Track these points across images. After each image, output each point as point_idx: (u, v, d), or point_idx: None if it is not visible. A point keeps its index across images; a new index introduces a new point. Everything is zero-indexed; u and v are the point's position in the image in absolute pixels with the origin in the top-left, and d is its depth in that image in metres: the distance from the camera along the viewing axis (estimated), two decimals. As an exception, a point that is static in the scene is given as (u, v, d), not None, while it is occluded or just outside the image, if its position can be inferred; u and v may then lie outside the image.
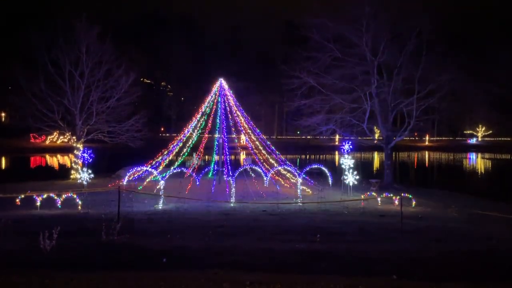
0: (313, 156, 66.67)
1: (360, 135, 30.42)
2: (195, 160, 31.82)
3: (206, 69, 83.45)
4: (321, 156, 67.01)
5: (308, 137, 74.11)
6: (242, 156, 36.70)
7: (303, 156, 64.64)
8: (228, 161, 27.69)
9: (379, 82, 27.95)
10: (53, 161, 55.23)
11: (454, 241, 11.56)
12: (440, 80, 26.02)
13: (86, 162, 23.30)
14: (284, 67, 30.12)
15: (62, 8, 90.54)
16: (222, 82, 28.65)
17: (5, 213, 14.80)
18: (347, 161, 22.62)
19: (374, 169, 47.44)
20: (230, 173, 25.22)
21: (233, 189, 19.99)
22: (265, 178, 25.98)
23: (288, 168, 26.32)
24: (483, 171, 50.38)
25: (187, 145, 29.80)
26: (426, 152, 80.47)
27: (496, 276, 8.04)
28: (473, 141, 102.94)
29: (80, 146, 28.70)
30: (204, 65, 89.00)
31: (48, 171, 41.16)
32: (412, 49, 26.63)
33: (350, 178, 22.20)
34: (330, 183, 25.19)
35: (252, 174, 27.44)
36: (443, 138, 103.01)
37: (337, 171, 31.90)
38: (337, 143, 57.68)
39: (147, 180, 25.60)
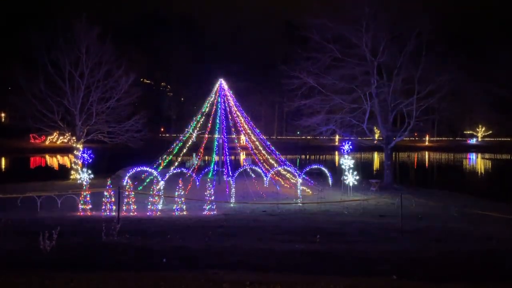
0: (313, 156, 66.67)
1: (360, 136, 30.43)
2: (195, 161, 31.81)
3: (206, 69, 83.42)
4: (321, 157, 66.99)
5: (308, 137, 74.08)
6: (242, 156, 36.69)
7: (303, 156, 64.65)
8: (228, 162, 27.69)
9: (379, 83, 27.95)
10: (53, 161, 55.22)
11: (454, 241, 11.55)
12: (440, 80, 26.02)
13: (86, 162, 23.29)
14: (284, 67, 30.14)
15: (62, 8, 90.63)
16: (222, 82, 28.65)
17: (5, 214, 14.80)
18: (347, 162, 22.62)
19: (374, 169, 47.44)
20: (230, 173, 25.21)
21: (233, 189, 19.98)
22: (265, 179, 25.97)
23: (288, 169, 26.32)
24: (483, 171, 50.38)
25: (187, 145, 29.79)
26: (426, 152, 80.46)
27: (496, 276, 8.03)
28: (473, 141, 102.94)
29: (80, 146, 28.71)
30: (204, 65, 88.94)
31: (48, 172, 41.14)
32: (412, 49, 26.64)
33: (350, 179, 22.20)
34: (330, 184, 25.19)
35: (252, 175, 27.43)
36: (443, 138, 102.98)
37: (337, 172, 31.90)
38: (337, 143, 57.67)
39: (147, 180, 25.57)
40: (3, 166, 50.26)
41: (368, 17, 26.45)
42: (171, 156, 29.09)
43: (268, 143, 30.54)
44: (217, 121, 28.42)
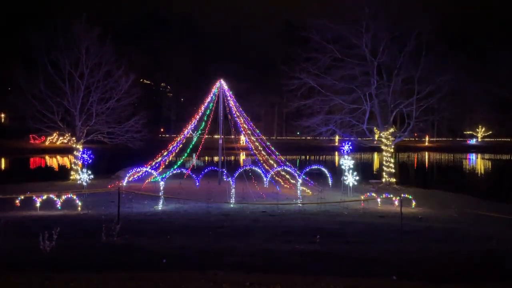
0: (313, 156, 66.64)
1: (359, 136, 30.42)
2: (195, 161, 31.81)
3: (206, 70, 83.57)
4: (321, 157, 66.99)
5: (308, 138, 74.21)
6: (242, 157, 36.69)
7: (303, 157, 64.64)
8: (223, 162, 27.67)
9: (378, 83, 27.97)
10: (53, 162, 55.22)
11: (454, 242, 11.55)
12: (440, 81, 26.05)
13: (86, 163, 23.28)
14: (284, 68, 30.17)
15: (62, 8, 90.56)
16: (222, 83, 28.65)
17: (5, 214, 14.80)
18: (347, 162, 22.62)
19: (374, 169, 47.43)
20: (225, 172, 25.17)
21: (233, 190, 19.98)
22: (265, 179, 25.99)
23: (288, 169, 26.32)
24: (483, 171, 50.39)
25: (188, 146, 29.79)
26: (426, 153, 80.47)
27: (496, 276, 8.03)
28: (473, 141, 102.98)
29: (79, 147, 28.70)
30: (204, 66, 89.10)
31: (48, 172, 41.12)
32: (411, 49, 26.67)
33: (350, 179, 22.19)
34: (330, 184, 25.20)
35: (252, 175, 27.44)
36: (443, 139, 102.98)
37: (337, 172, 31.89)
38: (336, 143, 57.67)
39: (147, 181, 25.60)
40: (3, 167, 50.25)
41: (368, 17, 26.48)
42: (171, 157, 29.08)
43: (268, 143, 30.54)
44: (217, 121, 28.42)
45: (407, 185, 30.40)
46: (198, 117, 29.12)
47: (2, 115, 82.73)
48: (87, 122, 29.28)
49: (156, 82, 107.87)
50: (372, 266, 8.51)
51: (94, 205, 18.24)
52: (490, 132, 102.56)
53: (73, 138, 29.24)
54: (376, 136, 31.49)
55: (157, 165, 27.34)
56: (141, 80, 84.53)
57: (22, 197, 17.18)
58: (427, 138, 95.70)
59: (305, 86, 29.34)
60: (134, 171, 23.25)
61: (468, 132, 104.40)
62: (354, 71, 28.22)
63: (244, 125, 29.64)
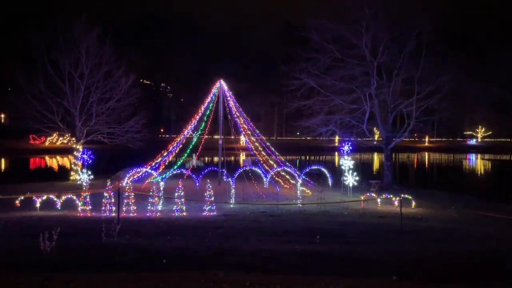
0: (312, 157, 66.67)
1: (359, 136, 30.43)
2: (195, 162, 31.80)
3: (206, 70, 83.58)
4: (321, 157, 67.00)
5: (308, 138, 74.26)
6: (242, 157, 36.68)
7: (303, 157, 64.65)
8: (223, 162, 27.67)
9: (378, 83, 27.97)
10: (53, 162, 55.22)
11: (454, 242, 11.55)
12: (440, 81, 26.05)
13: (86, 163, 23.28)
14: (284, 68, 30.16)
15: (62, 8, 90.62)
16: (221, 83, 28.65)
17: (5, 215, 14.81)
18: (346, 162, 22.61)
19: (374, 170, 47.45)
20: (224, 172, 25.18)
21: (233, 190, 19.98)
22: (265, 179, 25.98)
23: (288, 169, 26.32)
24: (482, 172, 50.39)
25: (188, 147, 29.79)
26: (426, 153, 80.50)
27: (496, 276, 8.03)
28: (472, 142, 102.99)
29: (79, 147, 28.69)
30: (204, 66, 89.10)
31: (48, 172, 41.15)
32: (411, 49, 26.67)
33: (350, 179, 22.19)
34: (330, 184, 25.19)
35: (252, 175, 27.43)
36: (443, 139, 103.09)
37: (337, 172, 31.91)
38: (336, 144, 57.69)
39: (147, 181, 25.59)
40: (3, 167, 50.25)
41: (368, 18, 26.48)
42: (171, 157, 29.08)
43: (268, 143, 30.55)
44: (217, 121, 28.42)
45: (407, 185, 30.44)
46: (198, 117, 29.12)
47: (2, 115, 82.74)
48: (87, 123, 29.28)
49: (156, 82, 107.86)
50: (372, 266, 8.52)
51: (94, 205, 18.22)
52: (490, 132, 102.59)
53: (73, 139, 29.24)
54: (376, 137, 31.51)
55: (157, 165, 27.33)
56: (141, 80, 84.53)
57: (22, 198, 17.17)
58: (427, 139, 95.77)
59: (305, 87, 29.34)
60: (134, 171, 23.22)
61: (468, 132, 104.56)
62: (354, 71, 28.22)
63: (244, 126, 29.65)
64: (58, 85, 28.30)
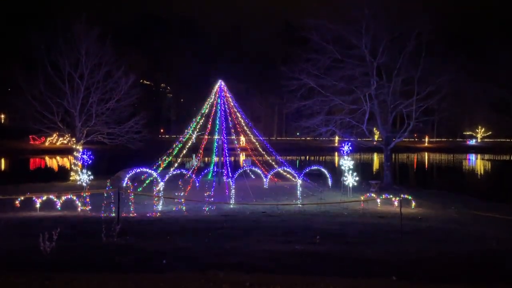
0: (312, 157, 66.68)
1: (359, 137, 30.43)
2: (195, 162, 31.79)
3: (206, 70, 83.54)
4: (321, 158, 67.01)
5: (308, 138, 74.28)
6: (242, 157, 36.70)
7: (302, 158, 64.66)
8: (228, 163, 27.69)
9: (378, 84, 27.97)
10: (53, 162, 55.21)
11: (454, 242, 11.55)
12: (440, 81, 26.05)
13: (86, 163, 23.27)
14: (284, 69, 30.16)
15: (62, 8, 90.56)
16: (221, 83, 28.65)
17: (5, 215, 14.82)
18: (346, 162, 22.62)
19: (374, 170, 47.45)
20: (230, 175, 25.23)
21: (233, 190, 19.98)
22: (264, 180, 25.99)
23: (288, 170, 26.33)
24: (482, 172, 50.38)
25: (186, 146, 29.78)
26: (426, 153, 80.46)
27: (496, 276, 8.03)
28: (472, 142, 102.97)
29: (79, 147, 28.69)
30: (204, 66, 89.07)
31: (48, 173, 41.11)
32: (411, 49, 26.67)
33: (350, 179, 22.19)
34: (330, 185, 25.19)
35: (252, 176, 27.44)
36: (443, 139, 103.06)
37: (337, 172, 31.90)
38: (336, 144, 57.72)
39: (147, 181, 25.57)
40: (3, 167, 50.24)
41: (367, 18, 26.47)
42: (170, 157, 29.07)
43: (268, 144, 30.56)
44: (217, 122, 28.43)
45: (407, 185, 30.43)
46: (198, 117, 29.14)
47: (2, 116, 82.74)
48: (87, 123, 29.29)
49: (156, 83, 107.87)
50: (372, 266, 8.52)
51: (94, 205, 18.23)
52: (490, 133, 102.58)
53: (73, 139, 29.24)
54: (376, 137, 31.51)
55: (157, 165, 27.33)
56: (141, 80, 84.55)
57: (22, 198, 17.18)
58: (426, 139, 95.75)
59: (305, 87, 29.34)
60: (134, 171, 23.20)
61: (467, 133, 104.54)
62: (354, 71, 28.23)
63: (244, 126, 29.67)
64: (58, 85, 28.31)
